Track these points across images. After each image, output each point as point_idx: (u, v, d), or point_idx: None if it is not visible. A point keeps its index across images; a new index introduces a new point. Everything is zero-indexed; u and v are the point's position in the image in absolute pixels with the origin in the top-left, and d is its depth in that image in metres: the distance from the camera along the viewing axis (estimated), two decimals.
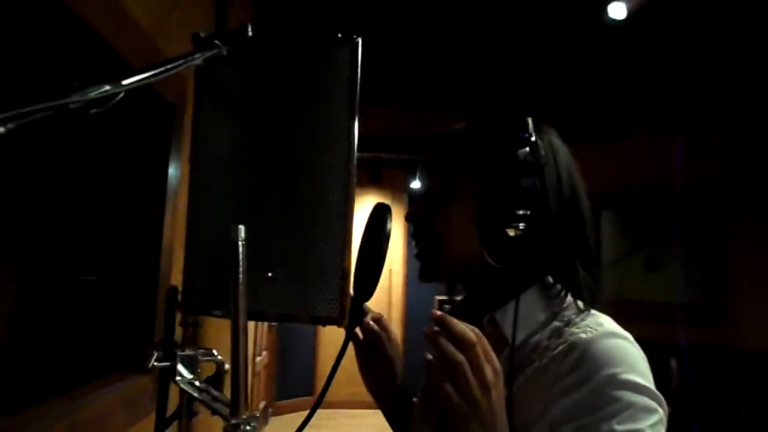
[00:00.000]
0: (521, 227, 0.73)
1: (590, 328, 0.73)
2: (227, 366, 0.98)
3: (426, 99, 4.96)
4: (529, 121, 0.80)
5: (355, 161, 0.60)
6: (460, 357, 0.59)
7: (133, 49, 1.50)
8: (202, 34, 0.72)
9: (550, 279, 0.80)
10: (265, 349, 5.20)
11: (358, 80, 0.60)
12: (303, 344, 6.18)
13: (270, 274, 0.58)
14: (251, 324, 4.02)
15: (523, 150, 0.75)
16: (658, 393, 0.69)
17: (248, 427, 0.54)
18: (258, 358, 4.74)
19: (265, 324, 5.10)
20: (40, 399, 1.39)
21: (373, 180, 6.38)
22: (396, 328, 6.47)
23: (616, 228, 4.84)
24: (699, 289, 4.22)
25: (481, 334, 0.62)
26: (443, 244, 0.83)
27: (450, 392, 0.58)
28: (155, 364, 0.73)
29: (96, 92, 0.54)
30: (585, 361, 0.68)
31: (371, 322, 0.95)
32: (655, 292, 4.38)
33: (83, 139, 1.90)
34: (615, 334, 0.72)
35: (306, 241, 0.59)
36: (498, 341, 0.78)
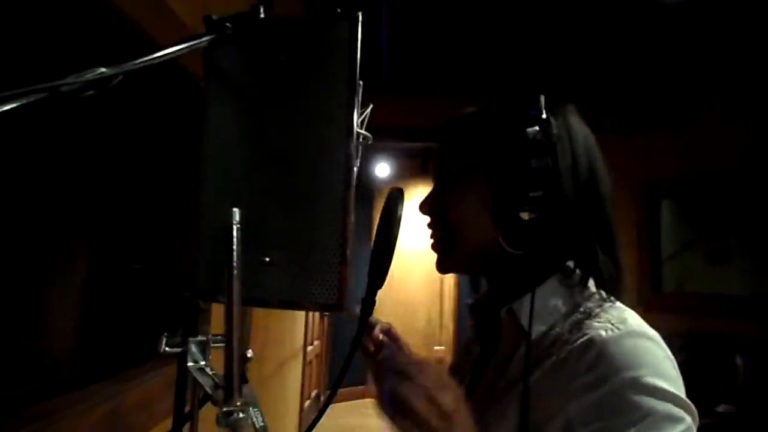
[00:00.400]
0: (534, 210, 0.70)
1: (611, 325, 0.68)
2: (249, 353, 0.98)
3: (481, 88, 4.88)
4: (542, 98, 0.75)
5: (355, 142, 0.57)
6: (404, 392, 0.58)
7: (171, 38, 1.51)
8: (215, 17, 0.71)
9: (571, 265, 0.75)
10: (317, 339, 5.26)
11: (358, 56, 0.57)
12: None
13: (267, 259, 0.57)
14: (300, 314, 4.07)
15: (533, 129, 0.71)
16: (687, 400, 0.63)
17: (241, 415, 0.53)
18: (309, 348, 4.80)
19: (317, 314, 5.16)
20: (89, 381, 1.44)
21: (424, 170, 6.33)
22: (448, 321, 6.46)
23: (676, 218, 4.62)
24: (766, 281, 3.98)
25: (428, 363, 0.61)
26: (456, 232, 0.80)
27: (407, 428, 0.57)
28: (167, 349, 0.73)
29: (91, 75, 0.55)
30: (602, 361, 0.64)
31: (380, 335, 0.92)
32: (719, 284, 4.15)
33: (133, 129, 1.94)
34: (638, 334, 0.67)
35: (305, 226, 0.57)
36: (517, 334, 0.75)
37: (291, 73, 0.59)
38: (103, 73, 0.55)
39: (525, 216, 0.70)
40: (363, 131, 0.78)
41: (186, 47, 0.64)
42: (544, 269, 0.75)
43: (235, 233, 0.54)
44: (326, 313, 5.51)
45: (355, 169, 0.58)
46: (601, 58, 4.17)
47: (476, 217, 0.77)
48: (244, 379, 0.98)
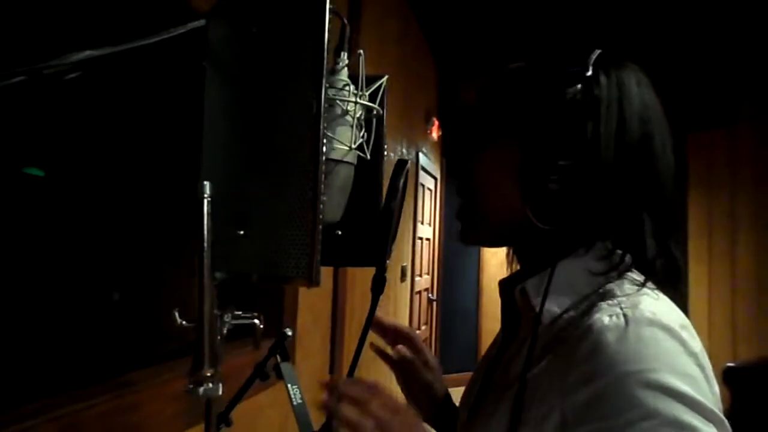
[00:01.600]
0: (564, 181, 0.61)
1: (620, 309, 0.57)
2: (288, 332, 0.99)
3: None
4: (595, 54, 0.66)
5: (322, 113, 0.55)
6: (356, 419, 0.57)
7: None
8: None
9: (609, 245, 0.66)
10: (425, 323, 5.27)
11: (326, 23, 0.55)
12: (466, 319, 6.13)
13: (242, 232, 0.56)
14: (403, 298, 4.09)
15: (574, 87, 0.63)
16: (711, 407, 0.52)
17: (210, 385, 0.53)
18: (416, 333, 4.82)
19: (424, 298, 5.17)
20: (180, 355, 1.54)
21: None
22: None
23: None
24: None
25: (377, 388, 0.61)
26: (478, 200, 0.73)
27: None
28: (184, 323, 0.76)
29: (76, 57, 0.57)
30: (599, 351, 0.55)
31: (403, 349, 0.89)
32: None
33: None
34: (648, 322, 0.56)
35: (275, 199, 0.56)
36: (529, 315, 0.68)
37: (263, 45, 0.58)
38: (87, 55, 0.57)
39: (554, 186, 0.62)
40: (373, 105, 0.76)
41: (181, 30, 0.65)
42: (570, 246, 0.66)
43: (205, 206, 0.54)
44: (433, 298, 5.52)
45: (323, 140, 0.55)
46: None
47: (502, 184, 0.69)
48: (284, 357, 1.01)
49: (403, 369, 0.91)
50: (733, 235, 5.41)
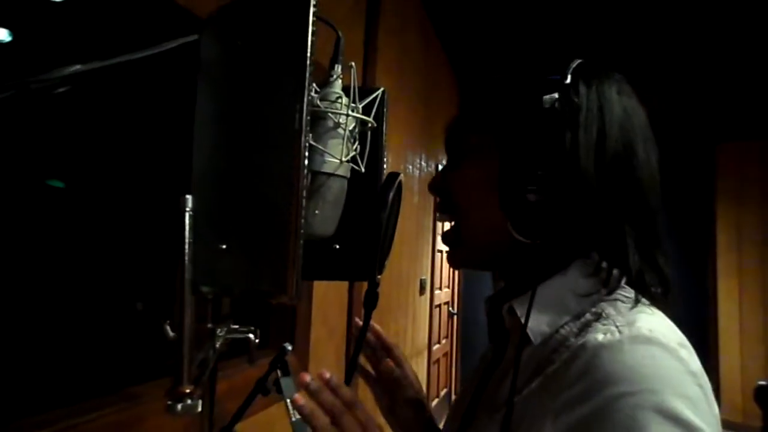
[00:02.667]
0: (542, 191, 0.59)
1: (615, 327, 0.55)
2: (288, 347, 0.98)
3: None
4: (574, 63, 0.65)
5: (304, 126, 0.54)
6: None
7: None
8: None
9: (596, 259, 0.63)
10: (444, 337, 5.23)
11: (309, 35, 0.54)
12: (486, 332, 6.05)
13: (224, 246, 0.56)
14: (422, 312, 4.06)
15: (551, 96, 0.61)
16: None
17: (189, 402, 0.52)
18: (436, 346, 4.78)
19: (444, 311, 5.13)
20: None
21: None
22: None
23: None
24: None
25: (354, 401, 0.60)
26: (461, 216, 0.72)
27: None
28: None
29: (65, 72, 0.58)
30: (592, 370, 0.52)
31: (390, 364, 0.83)
32: None
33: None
34: (645, 339, 0.53)
35: (256, 213, 0.56)
36: (518, 335, 0.66)
37: (248, 59, 0.58)
38: (76, 70, 0.58)
39: (532, 197, 0.60)
40: (366, 117, 0.75)
41: (173, 44, 0.65)
42: (557, 262, 0.64)
43: (187, 220, 0.53)
44: (453, 312, 5.47)
45: (306, 153, 0.54)
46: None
47: (482, 198, 0.67)
48: (285, 372, 1.00)
49: (387, 386, 0.86)
50: (764, 249, 5.27)
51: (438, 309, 4.81)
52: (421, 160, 3.84)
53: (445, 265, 5.00)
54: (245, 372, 1.63)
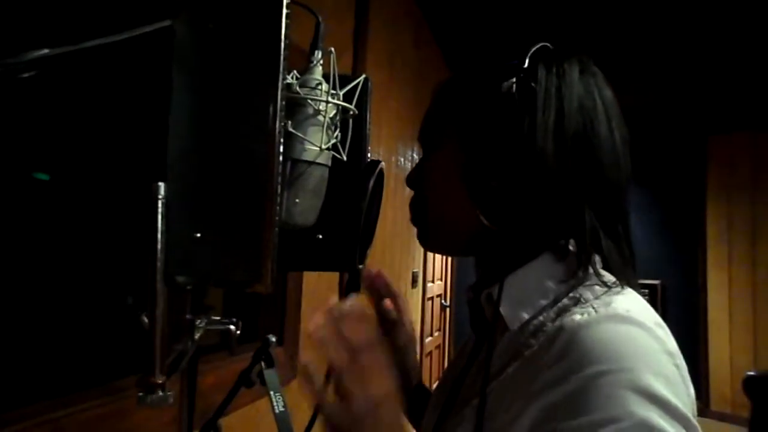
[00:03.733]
0: (503, 177, 0.60)
1: (592, 309, 0.55)
2: (272, 338, 0.97)
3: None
4: (535, 47, 0.65)
5: (280, 114, 0.53)
6: (342, 367, 0.53)
7: None
8: None
9: (570, 245, 0.63)
10: (437, 330, 5.23)
11: (283, 18, 0.53)
12: None
13: (198, 235, 0.54)
14: (413, 305, 4.06)
15: (509, 81, 0.61)
16: (685, 411, 0.49)
17: (160, 393, 0.51)
18: (428, 339, 4.79)
19: (436, 304, 5.13)
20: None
21: None
22: None
23: None
24: None
25: (372, 346, 0.56)
26: (428, 204, 0.72)
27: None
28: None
29: (31, 56, 0.56)
30: (570, 351, 0.52)
31: (390, 304, 0.83)
32: None
33: None
34: (622, 318, 0.53)
35: (233, 200, 0.54)
36: (499, 323, 0.66)
37: (221, 43, 0.56)
38: (44, 54, 0.56)
39: (495, 183, 0.60)
40: (347, 104, 0.74)
41: (146, 29, 0.64)
42: (531, 248, 0.65)
43: (159, 208, 0.52)
44: (446, 305, 5.48)
45: (281, 138, 0.53)
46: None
47: (448, 187, 0.68)
48: (269, 363, 0.99)
49: (382, 328, 0.86)
50: (754, 241, 5.29)
51: (431, 301, 4.81)
52: (413, 153, 3.83)
53: (438, 257, 5.00)
54: (232, 365, 1.62)
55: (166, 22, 0.65)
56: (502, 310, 0.63)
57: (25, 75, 0.55)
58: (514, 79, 0.61)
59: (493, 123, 0.61)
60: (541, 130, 0.60)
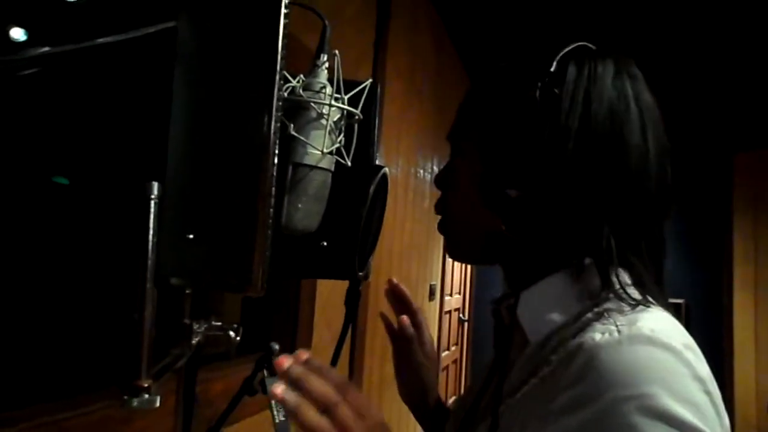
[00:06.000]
0: (522, 186, 0.57)
1: (615, 327, 0.51)
2: (276, 346, 0.96)
3: None
4: (567, 48, 0.61)
5: (274, 115, 0.52)
6: (322, 423, 0.51)
7: None
8: None
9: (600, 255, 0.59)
10: (454, 344, 5.18)
11: (281, 20, 0.52)
12: None
13: (191, 236, 0.53)
14: (430, 318, 4.02)
15: (531, 87, 0.58)
16: None
17: (146, 396, 0.50)
18: (445, 353, 4.74)
19: (454, 318, 5.08)
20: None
21: None
22: None
23: None
24: None
25: (347, 384, 0.53)
26: (447, 212, 0.70)
27: None
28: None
29: (32, 53, 0.56)
30: (590, 373, 0.49)
31: (407, 321, 0.81)
32: None
33: None
34: (646, 340, 0.50)
35: (227, 202, 0.53)
36: (519, 336, 0.63)
37: (221, 43, 0.56)
38: (46, 51, 0.56)
39: (513, 192, 0.58)
40: (351, 108, 0.73)
41: (150, 29, 0.63)
42: (556, 260, 0.61)
43: (152, 207, 0.51)
44: (464, 319, 5.42)
45: (275, 139, 0.52)
46: None
47: (466, 193, 0.66)
48: (271, 372, 0.97)
49: (399, 344, 0.84)
50: None
51: (448, 315, 4.76)
52: (432, 164, 3.81)
53: (457, 270, 4.96)
54: (241, 373, 1.61)
55: (170, 23, 0.65)
56: (522, 320, 0.61)
57: (26, 72, 0.55)
58: (539, 84, 0.58)
59: (510, 130, 0.59)
60: (562, 137, 0.57)
